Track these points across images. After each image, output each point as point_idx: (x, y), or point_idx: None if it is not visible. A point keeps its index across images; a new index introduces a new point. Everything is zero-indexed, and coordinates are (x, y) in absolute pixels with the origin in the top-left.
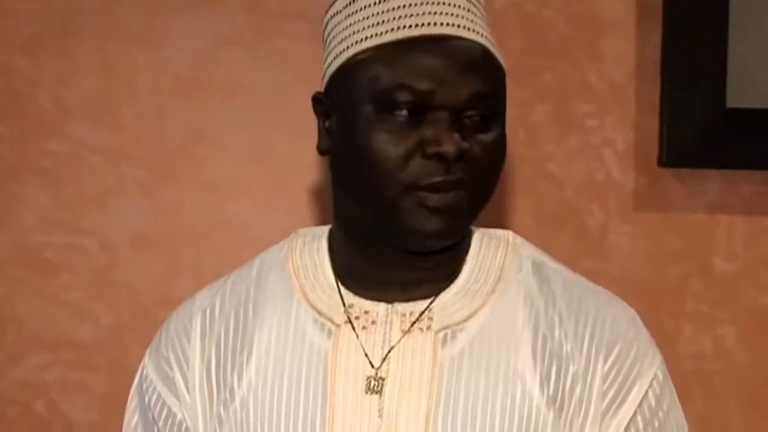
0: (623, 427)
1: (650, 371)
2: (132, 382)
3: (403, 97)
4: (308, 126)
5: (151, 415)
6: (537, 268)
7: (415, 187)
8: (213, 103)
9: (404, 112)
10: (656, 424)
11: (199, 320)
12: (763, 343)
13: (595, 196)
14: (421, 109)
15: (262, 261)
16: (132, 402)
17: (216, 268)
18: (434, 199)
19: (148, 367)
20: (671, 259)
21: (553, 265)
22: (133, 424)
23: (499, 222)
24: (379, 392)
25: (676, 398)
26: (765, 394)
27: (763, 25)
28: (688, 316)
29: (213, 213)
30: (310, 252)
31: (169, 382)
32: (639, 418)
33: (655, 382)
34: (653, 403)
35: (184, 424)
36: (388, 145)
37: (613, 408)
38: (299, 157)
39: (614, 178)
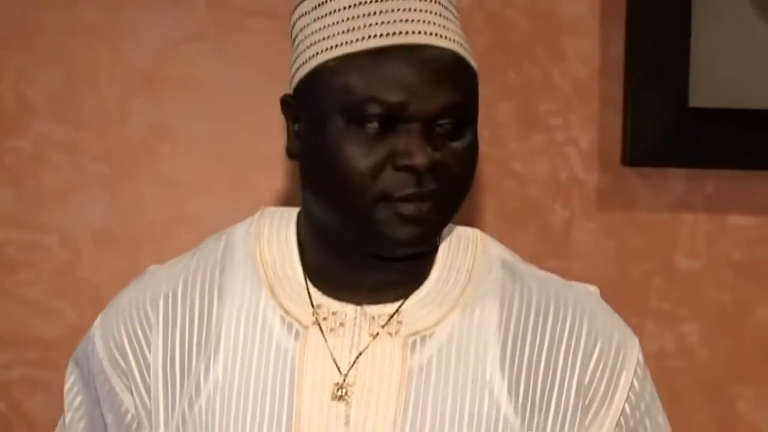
0: (616, 420)
1: (633, 358)
2: None
3: (374, 109)
4: (272, 123)
5: (95, 391)
6: (508, 268)
7: (387, 199)
8: (176, 99)
9: (375, 124)
10: (643, 407)
11: (161, 307)
12: (725, 340)
13: (559, 195)
14: (392, 120)
15: (228, 241)
16: (71, 376)
17: None
18: (408, 208)
19: (98, 346)
20: (634, 257)
21: (522, 266)
22: (69, 396)
23: (463, 221)
24: (347, 399)
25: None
26: (727, 391)
27: (725, 25)
28: (651, 313)
29: (175, 210)
30: (279, 241)
31: (122, 374)
32: (626, 405)
33: (638, 368)
34: (638, 388)
35: (131, 413)
36: (359, 157)
37: (605, 406)
38: (263, 154)
39: (578, 176)
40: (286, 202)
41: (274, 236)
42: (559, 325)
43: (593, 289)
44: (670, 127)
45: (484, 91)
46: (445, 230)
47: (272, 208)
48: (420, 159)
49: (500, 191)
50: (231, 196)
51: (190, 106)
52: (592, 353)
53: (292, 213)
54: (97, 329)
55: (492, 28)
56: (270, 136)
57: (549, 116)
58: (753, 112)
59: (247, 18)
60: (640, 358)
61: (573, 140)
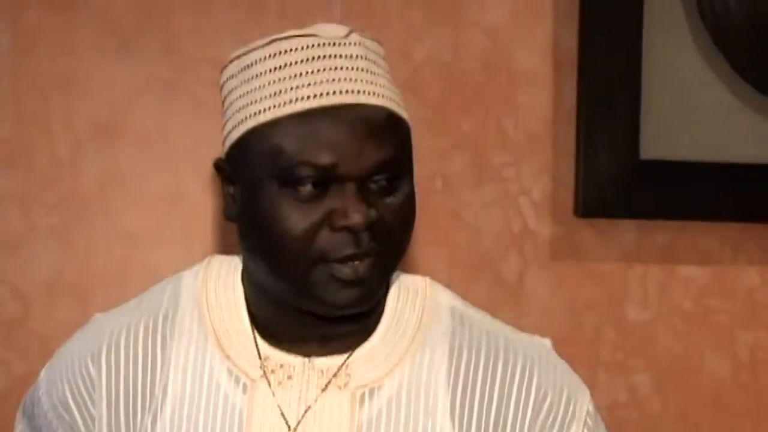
0: None
1: (582, 409)
2: None
3: (306, 172)
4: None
5: None
6: (457, 316)
7: (325, 260)
8: (129, 149)
9: (308, 187)
10: None
11: (104, 360)
12: (677, 391)
13: (512, 246)
14: (325, 182)
15: (174, 289)
16: (19, 426)
17: None
18: (346, 272)
19: (42, 399)
20: (587, 308)
21: (471, 312)
22: None
23: (415, 271)
24: None
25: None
26: None
27: (676, 78)
28: (603, 364)
29: (127, 260)
30: (225, 290)
31: (68, 426)
32: None
33: (588, 419)
34: None
35: None
36: (294, 220)
37: None
38: (215, 205)
39: (530, 227)
40: (236, 252)
41: (221, 285)
42: (509, 377)
43: (545, 342)
44: (621, 179)
45: (437, 142)
46: (394, 278)
47: (220, 257)
48: (356, 218)
49: (453, 242)
50: (183, 246)
51: (143, 156)
52: (541, 406)
53: (239, 262)
54: (42, 382)
55: (445, 79)
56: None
57: (502, 167)
58: (703, 165)
59: (200, 68)
60: (591, 408)
61: (526, 191)
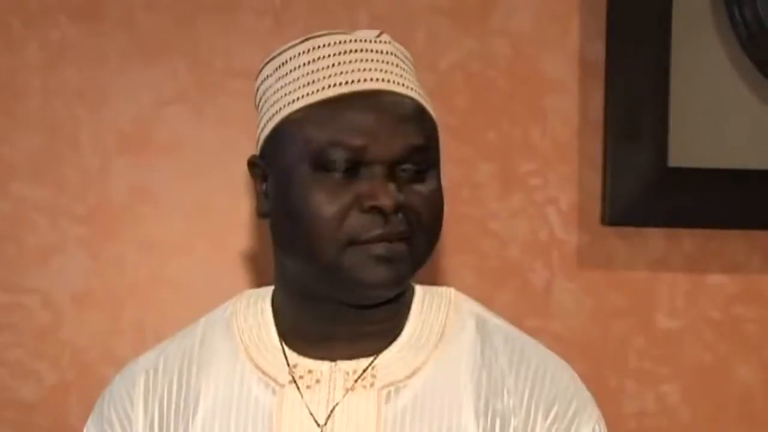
0: None
1: (588, 426)
2: None
3: (338, 154)
4: (252, 184)
5: None
6: (480, 323)
7: (355, 242)
8: (156, 160)
9: (340, 170)
10: None
11: (142, 380)
12: (707, 399)
13: (539, 254)
14: (356, 165)
15: (207, 321)
16: None
17: (159, 326)
18: (379, 249)
19: (90, 429)
20: (615, 316)
21: (495, 320)
22: None
23: (442, 280)
24: None
25: None
26: None
27: (703, 84)
28: (631, 373)
29: (156, 271)
30: (254, 313)
31: None
32: None
33: None
34: None
35: None
36: (324, 204)
37: None
38: (242, 216)
39: (558, 236)
40: (264, 261)
41: (251, 309)
42: (521, 381)
43: (567, 367)
44: (649, 187)
45: (464, 151)
46: (420, 289)
47: (251, 290)
48: (385, 199)
49: (480, 251)
50: (211, 256)
51: (171, 168)
52: (548, 412)
53: (269, 289)
54: (89, 424)
55: (473, 88)
56: (250, 198)
57: (529, 176)
58: (731, 172)
59: (226, 79)
60: (598, 429)
61: (553, 200)
